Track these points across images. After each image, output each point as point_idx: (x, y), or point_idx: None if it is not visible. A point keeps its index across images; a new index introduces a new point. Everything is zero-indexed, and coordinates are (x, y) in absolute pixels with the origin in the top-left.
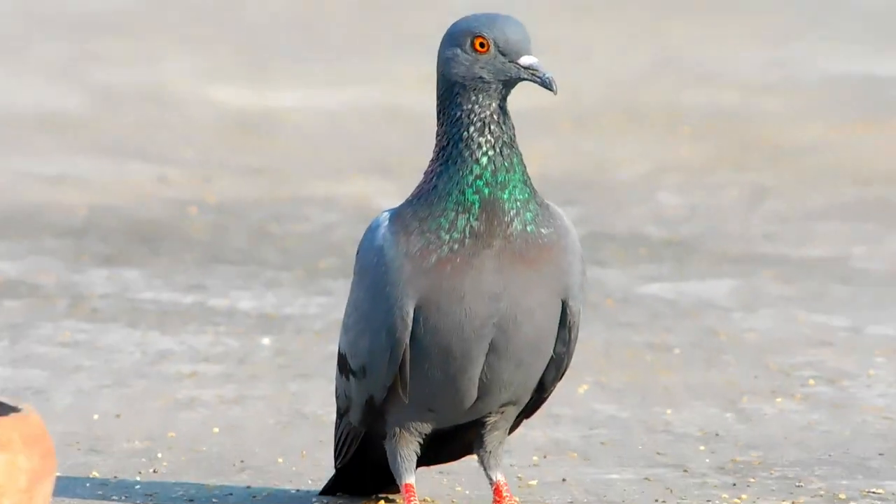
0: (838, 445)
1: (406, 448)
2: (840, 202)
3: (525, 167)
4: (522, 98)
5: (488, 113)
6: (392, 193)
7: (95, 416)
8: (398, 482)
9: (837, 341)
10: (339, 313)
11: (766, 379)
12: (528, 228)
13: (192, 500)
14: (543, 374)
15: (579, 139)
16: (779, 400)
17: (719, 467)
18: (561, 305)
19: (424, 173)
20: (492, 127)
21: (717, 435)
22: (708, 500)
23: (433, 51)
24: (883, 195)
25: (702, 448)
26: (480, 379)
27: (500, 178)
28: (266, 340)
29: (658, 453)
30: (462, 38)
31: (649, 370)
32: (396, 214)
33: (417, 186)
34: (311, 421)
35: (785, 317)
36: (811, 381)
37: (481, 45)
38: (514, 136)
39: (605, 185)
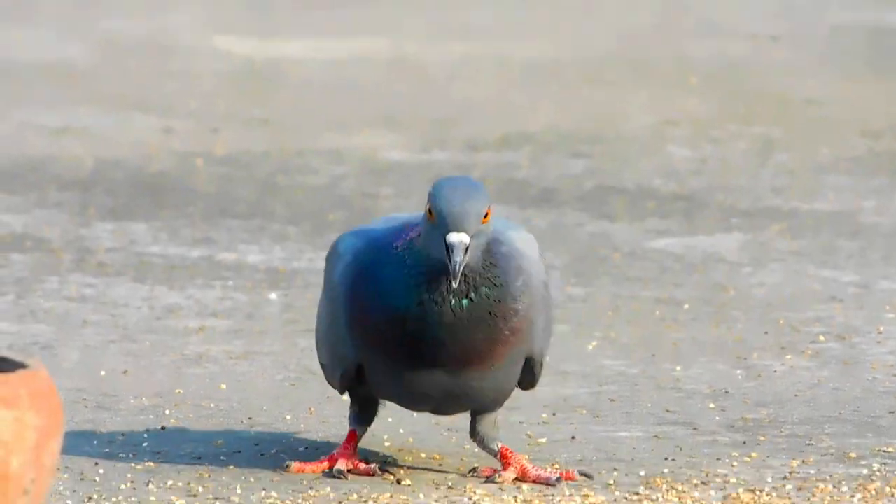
0: (848, 403)
1: (367, 411)
2: (849, 156)
3: (482, 278)
4: (529, 47)
5: (438, 270)
6: (400, 145)
7: (103, 373)
8: (348, 424)
9: (847, 297)
10: None
11: (775, 335)
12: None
13: (199, 457)
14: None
15: (587, 92)
16: (788, 357)
17: (729, 425)
18: (525, 358)
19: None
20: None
21: (726, 392)
22: (718, 458)
23: (441, 1)
24: (893, 148)
25: (711, 405)
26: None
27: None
28: (274, 295)
29: (667, 410)
30: (425, 207)
31: (658, 326)
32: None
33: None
34: (319, 377)
35: (794, 272)
36: (821, 338)
37: (430, 212)
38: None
39: (613, 139)
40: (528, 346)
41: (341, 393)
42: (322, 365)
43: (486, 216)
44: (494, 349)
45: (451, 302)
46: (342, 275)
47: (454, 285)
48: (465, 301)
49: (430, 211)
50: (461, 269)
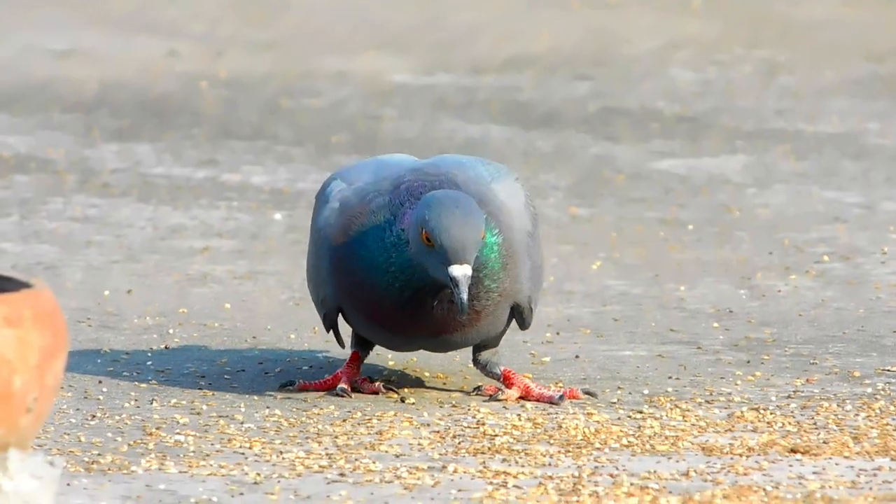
0: (852, 323)
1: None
2: (853, 78)
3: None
4: None
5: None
6: (404, 68)
7: (107, 292)
8: (350, 346)
9: (851, 217)
10: None
11: (779, 255)
12: (485, 303)
13: (203, 376)
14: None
15: (590, 14)
16: (792, 277)
17: (733, 344)
18: (512, 304)
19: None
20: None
21: (730, 312)
22: (721, 377)
23: None
24: None
25: (715, 325)
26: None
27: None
28: (278, 216)
29: (671, 330)
30: (417, 226)
31: (662, 246)
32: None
33: (392, 201)
34: None
35: (798, 193)
36: (825, 258)
37: (428, 240)
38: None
39: (617, 61)
40: (514, 298)
41: (327, 331)
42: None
43: (482, 236)
44: (476, 319)
45: (434, 305)
46: (326, 221)
47: (463, 317)
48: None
49: (427, 238)
50: (467, 303)
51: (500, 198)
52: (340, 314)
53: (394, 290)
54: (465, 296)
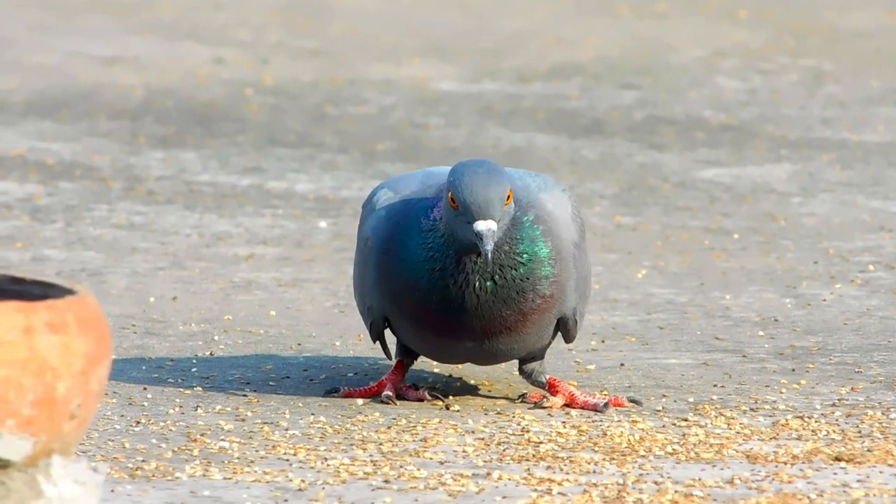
0: None
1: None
2: None
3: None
4: None
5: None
6: (450, 76)
7: (152, 299)
8: (395, 355)
9: None
10: None
11: (824, 264)
12: (530, 308)
13: (248, 383)
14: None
15: (637, 23)
16: (837, 285)
17: (778, 353)
18: (559, 315)
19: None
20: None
21: (775, 320)
22: (766, 386)
23: None
24: None
25: (760, 333)
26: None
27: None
28: (323, 223)
29: (716, 338)
30: (446, 192)
31: (707, 255)
32: (401, 209)
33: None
34: None
35: (843, 202)
36: (870, 267)
37: (453, 201)
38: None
39: (663, 69)
40: (559, 309)
41: (374, 341)
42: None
43: (509, 198)
44: (522, 323)
45: (475, 285)
46: (373, 229)
47: (488, 269)
48: (489, 283)
49: (452, 199)
50: (491, 257)
51: (548, 207)
52: (388, 324)
53: (435, 281)
54: (489, 247)
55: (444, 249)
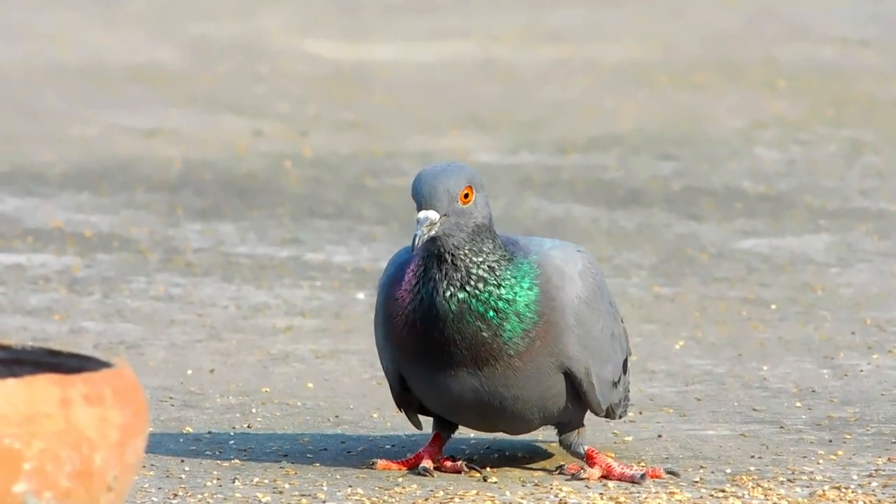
0: None
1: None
2: None
3: (499, 277)
4: (619, 50)
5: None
6: (489, 147)
7: (189, 371)
8: (432, 429)
9: None
10: None
11: (862, 334)
12: (506, 338)
13: (286, 455)
14: (583, 408)
15: (676, 93)
16: (875, 356)
17: (815, 423)
18: (563, 372)
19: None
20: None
21: (812, 391)
22: (804, 456)
23: (531, 3)
24: None
25: (798, 404)
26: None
27: (471, 302)
28: (361, 295)
29: (754, 409)
30: None
31: (745, 325)
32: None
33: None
34: None
35: (881, 272)
36: None
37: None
38: (482, 262)
39: (702, 140)
40: (557, 358)
41: (399, 407)
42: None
43: (466, 196)
44: (510, 357)
45: (444, 293)
46: (382, 284)
47: (412, 251)
48: (460, 294)
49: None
50: (419, 242)
51: (556, 262)
52: (406, 385)
53: (416, 300)
54: (418, 232)
55: (417, 259)
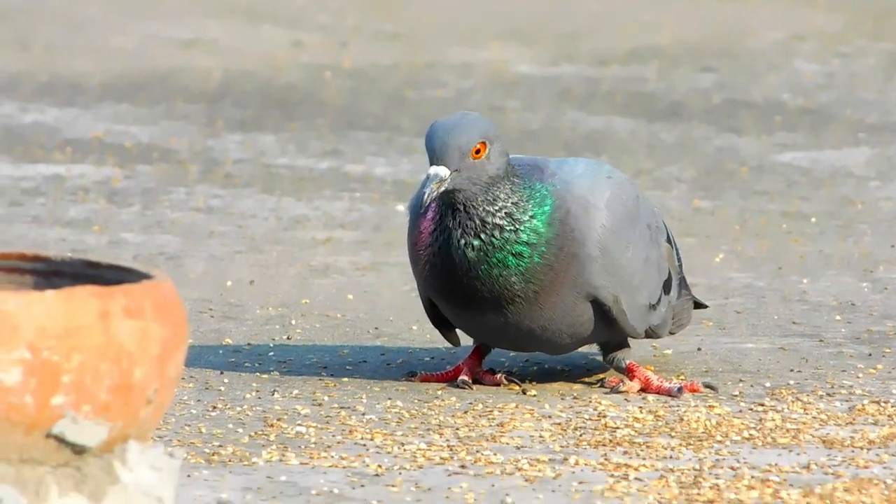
0: None
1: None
2: None
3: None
4: None
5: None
6: (528, 59)
7: (229, 283)
8: (473, 341)
9: None
10: None
11: None
12: (528, 276)
13: (325, 367)
14: (625, 332)
15: (715, 5)
16: None
17: (855, 337)
18: (591, 301)
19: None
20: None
21: (852, 305)
22: (843, 371)
23: None
24: None
25: (837, 318)
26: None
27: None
28: (401, 207)
29: (793, 323)
30: None
31: (784, 239)
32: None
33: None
34: None
35: None
36: None
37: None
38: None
39: (742, 53)
40: (583, 288)
41: (432, 323)
42: None
43: (479, 152)
44: (534, 293)
45: (459, 241)
46: (412, 206)
47: (423, 205)
48: (475, 241)
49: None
50: (428, 200)
51: (580, 191)
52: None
53: (435, 242)
54: (426, 189)
55: (438, 218)
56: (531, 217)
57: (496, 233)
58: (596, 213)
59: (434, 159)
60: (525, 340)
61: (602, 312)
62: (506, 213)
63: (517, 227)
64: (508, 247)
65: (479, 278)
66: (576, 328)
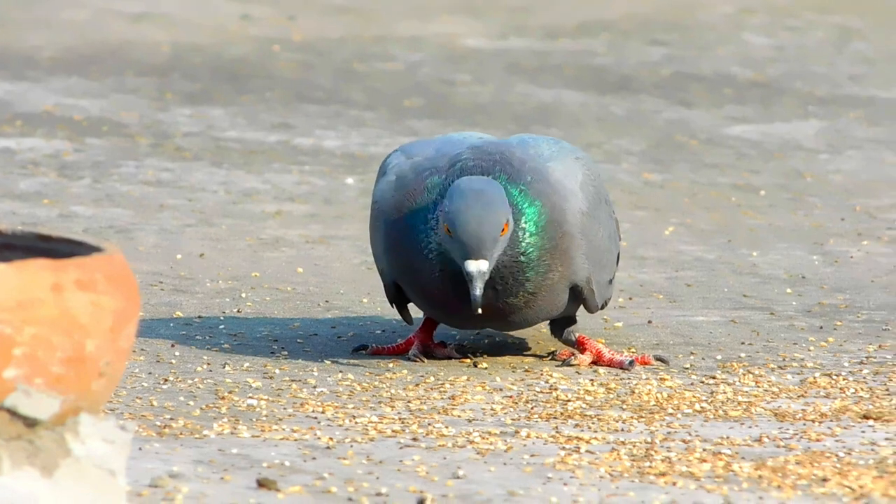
0: None
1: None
2: None
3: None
4: None
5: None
6: (478, 33)
7: (179, 256)
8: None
9: None
10: None
11: (852, 221)
12: (530, 281)
13: (276, 340)
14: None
15: None
16: (865, 242)
17: (806, 310)
18: (570, 285)
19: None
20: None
21: (803, 277)
22: (794, 343)
23: None
24: None
25: (788, 291)
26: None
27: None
28: (351, 180)
29: (744, 295)
30: (442, 215)
31: (735, 212)
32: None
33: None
34: None
35: (871, 158)
36: None
37: (448, 230)
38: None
39: (692, 26)
40: (569, 279)
41: (391, 304)
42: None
43: (503, 229)
44: (532, 300)
45: (473, 298)
46: (382, 194)
47: (476, 312)
48: (490, 291)
49: (447, 228)
50: (480, 300)
51: (556, 176)
52: (399, 288)
53: (436, 275)
54: (478, 292)
55: (442, 256)
56: (529, 235)
57: (510, 279)
58: (574, 199)
59: (471, 253)
60: (499, 325)
61: (574, 293)
62: (523, 253)
63: (522, 251)
64: (518, 284)
65: (487, 305)
66: (552, 311)
